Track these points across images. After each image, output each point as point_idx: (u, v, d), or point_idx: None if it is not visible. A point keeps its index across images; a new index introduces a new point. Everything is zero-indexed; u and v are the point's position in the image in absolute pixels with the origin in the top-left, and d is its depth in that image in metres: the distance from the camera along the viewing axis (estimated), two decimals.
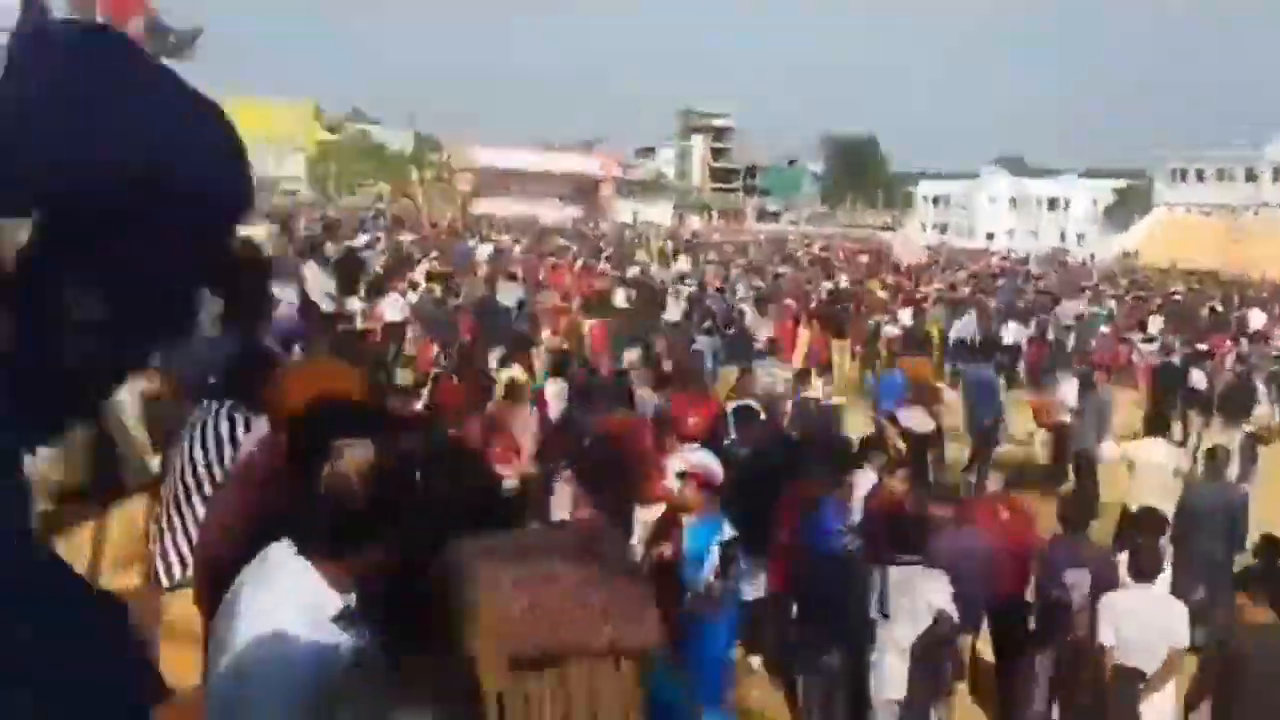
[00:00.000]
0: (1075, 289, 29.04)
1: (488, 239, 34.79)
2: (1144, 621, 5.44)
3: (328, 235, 26.11)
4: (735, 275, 26.45)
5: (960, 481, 10.78)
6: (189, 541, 3.83)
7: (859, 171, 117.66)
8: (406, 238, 31.09)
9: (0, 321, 0.68)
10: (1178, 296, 28.85)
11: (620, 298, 18.79)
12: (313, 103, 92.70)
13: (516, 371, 9.65)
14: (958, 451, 11.85)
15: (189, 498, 3.86)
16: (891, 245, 40.68)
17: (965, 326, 17.91)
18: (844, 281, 26.57)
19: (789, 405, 10.22)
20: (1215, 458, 8.27)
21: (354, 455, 1.93)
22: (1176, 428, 13.85)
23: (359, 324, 14.32)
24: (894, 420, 9.84)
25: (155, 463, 4.74)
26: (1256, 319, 22.66)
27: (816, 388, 11.09)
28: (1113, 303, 25.03)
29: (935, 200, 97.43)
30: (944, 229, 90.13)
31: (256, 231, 15.03)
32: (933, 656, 5.40)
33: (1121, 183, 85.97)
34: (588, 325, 15.16)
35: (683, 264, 29.73)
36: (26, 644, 0.70)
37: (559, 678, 1.17)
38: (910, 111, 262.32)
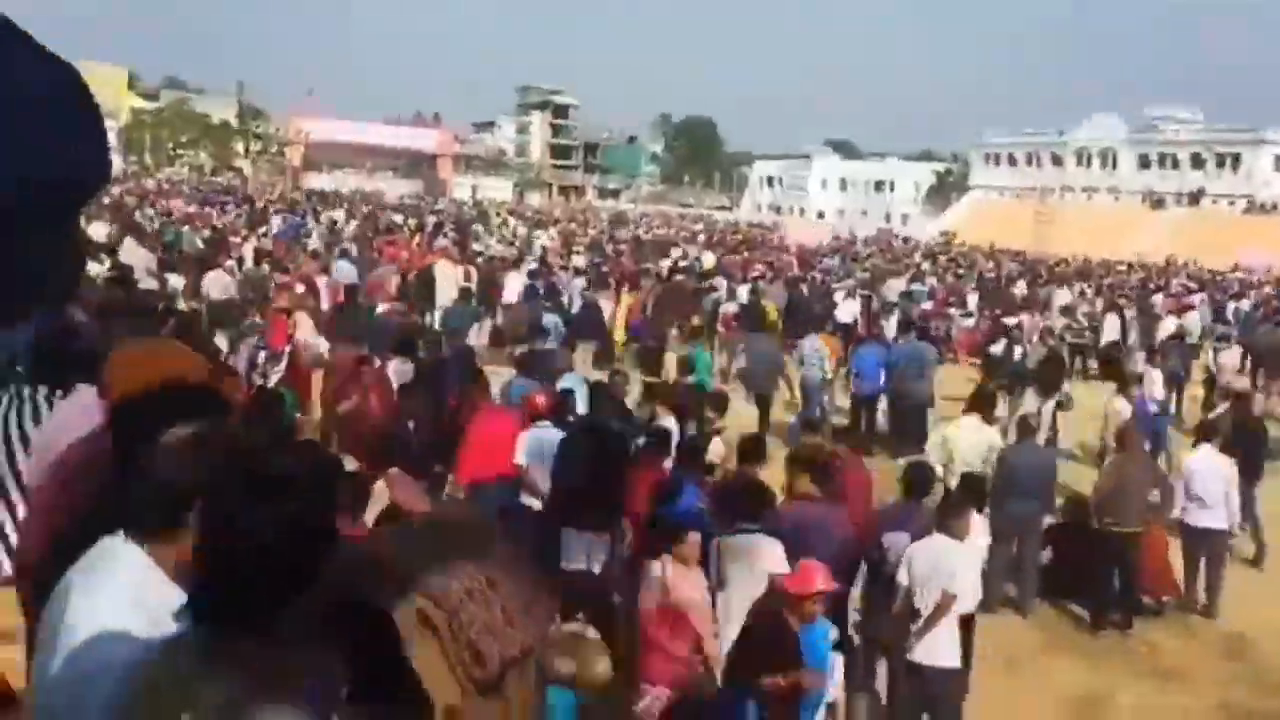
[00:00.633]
0: (899, 267, 30.46)
1: (319, 214, 33.61)
2: (933, 565, 5.71)
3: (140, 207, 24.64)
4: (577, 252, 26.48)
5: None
6: (3, 539, 3.63)
7: (697, 151, 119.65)
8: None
9: None
10: (990, 275, 30.67)
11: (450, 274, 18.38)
12: (125, 69, 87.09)
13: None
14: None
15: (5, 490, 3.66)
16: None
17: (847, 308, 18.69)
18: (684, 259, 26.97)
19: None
20: (1027, 425, 8.87)
21: (178, 435, 1.85)
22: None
23: (181, 302, 13.61)
24: None
25: None
26: (1061, 296, 24.33)
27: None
28: (933, 280, 26.33)
29: (769, 181, 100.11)
30: (777, 209, 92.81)
31: None
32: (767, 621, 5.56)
33: (941, 166, 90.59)
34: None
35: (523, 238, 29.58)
36: None
37: (514, 683, 1.15)
38: (746, 94, 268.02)
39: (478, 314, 15.45)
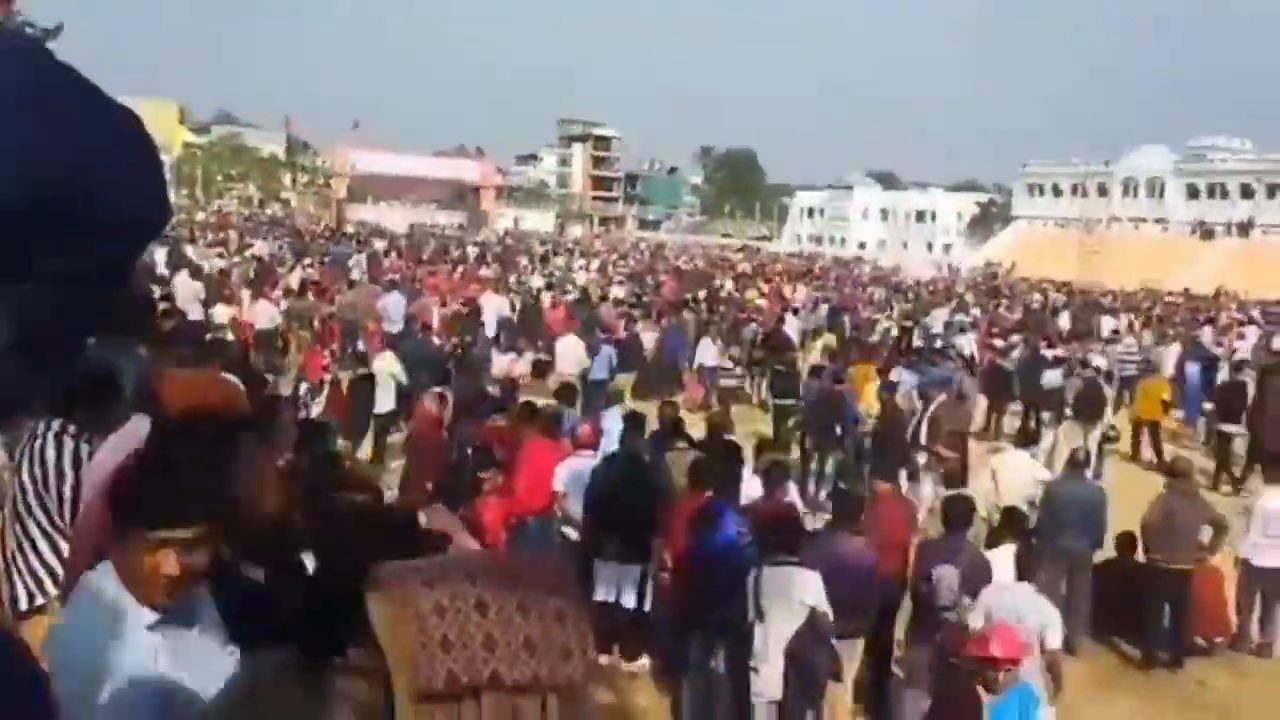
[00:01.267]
0: (942, 298, 30.25)
1: (364, 245, 34.10)
2: (1019, 617, 5.61)
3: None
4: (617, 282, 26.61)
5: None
6: (42, 564, 3.71)
7: (737, 182, 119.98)
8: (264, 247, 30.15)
9: None
10: (1035, 305, 30.35)
11: (496, 305, 18.59)
12: (176, 104, 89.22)
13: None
14: None
15: (24, 526, 3.75)
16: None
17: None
18: (724, 289, 27.01)
19: None
20: (1076, 459, 8.66)
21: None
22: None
23: (229, 334, 13.84)
24: None
25: None
26: (1108, 325, 23.99)
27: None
28: (976, 310, 26.11)
29: (810, 212, 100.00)
30: (818, 240, 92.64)
31: None
32: (808, 656, 5.51)
33: (984, 196, 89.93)
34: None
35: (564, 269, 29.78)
36: None
37: (474, 710, 1.14)
38: (786, 125, 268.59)
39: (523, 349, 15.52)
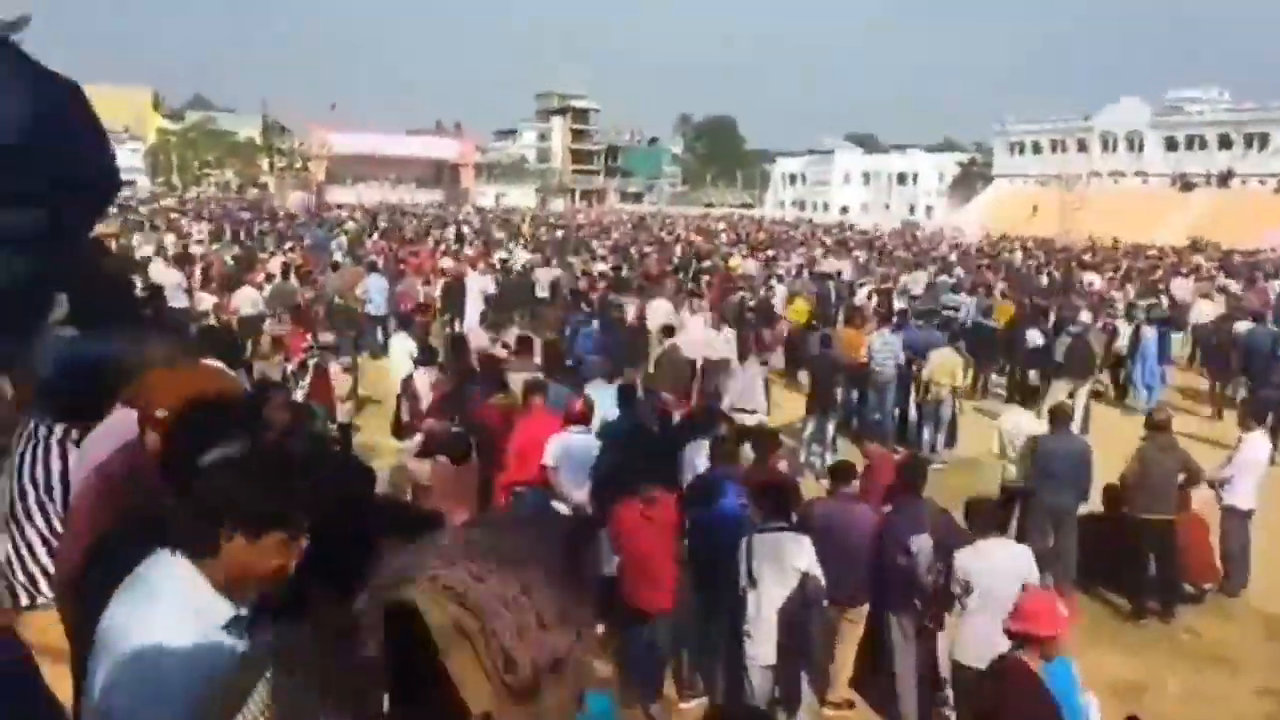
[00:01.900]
0: (924, 259, 30.30)
1: (344, 227, 33.92)
2: (999, 571, 5.70)
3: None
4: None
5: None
6: (39, 568, 3.70)
7: (717, 151, 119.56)
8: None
9: None
10: (1017, 265, 30.43)
11: (480, 282, 18.58)
12: (150, 90, 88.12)
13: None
14: None
15: (23, 530, 3.73)
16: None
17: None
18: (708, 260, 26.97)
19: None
20: (1060, 413, 8.68)
21: (223, 452, 1.89)
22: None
23: (211, 319, 13.78)
24: None
25: None
26: (1087, 280, 24.09)
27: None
28: (960, 271, 26.15)
29: (792, 178, 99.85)
30: (801, 205, 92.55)
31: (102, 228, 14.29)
32: (800, 620, 5.57)
33: (964, 156, 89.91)
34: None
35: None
36: None
37: (552, 693, 1.15)
38: (765, 92, 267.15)
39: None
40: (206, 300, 15.20)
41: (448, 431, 7.54)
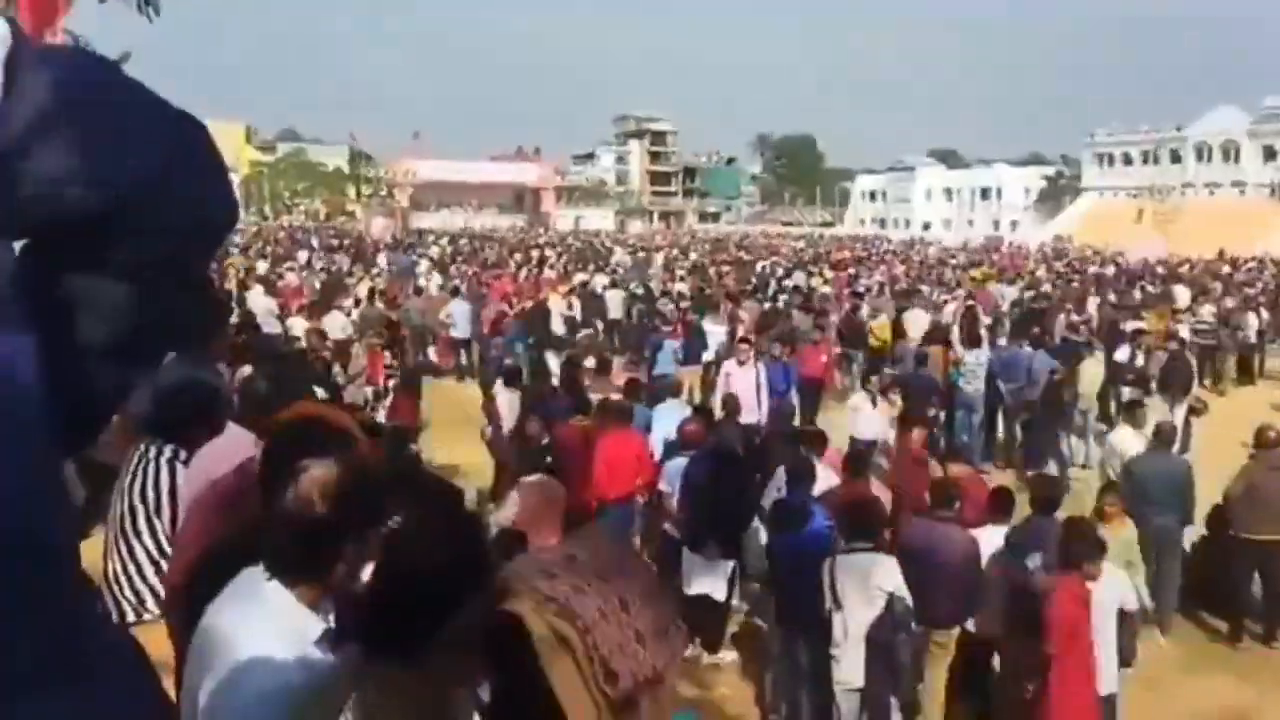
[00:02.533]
0: (1010, 276, 29.64)
1: (427, 254, 34.62)
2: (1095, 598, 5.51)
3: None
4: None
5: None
6: (146, 585, 3.80)
7: (796, 169, 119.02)
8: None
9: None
10: (1109, 277, 29.56)
11: (560, 305, 18.80)
12: (243, 124, 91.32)
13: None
14: None
15: (130, 548, 3.83)
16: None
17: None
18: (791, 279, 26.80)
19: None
20: (1161, 434, 8.37)
21: (314, 474, 1.92)
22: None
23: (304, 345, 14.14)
24: None
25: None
26: (1183, 296, 23.26)
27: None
28: (1048, 286, 25.52)
29: (871, 195, 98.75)
30: (881, 222, 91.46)
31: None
32: (887, 643, 5.46)
33: (1051, 169, 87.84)
34: None
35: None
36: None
37: (635, 706, 1.17)
38: (845, 109, 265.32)
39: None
40: (299, 325, 15.61)
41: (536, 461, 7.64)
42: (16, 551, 0.66)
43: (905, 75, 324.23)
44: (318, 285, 21.39)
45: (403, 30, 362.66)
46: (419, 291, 20.20)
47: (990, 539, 6.21)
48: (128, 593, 3.86)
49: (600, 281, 24.96)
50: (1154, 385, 12.72)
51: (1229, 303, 21.03)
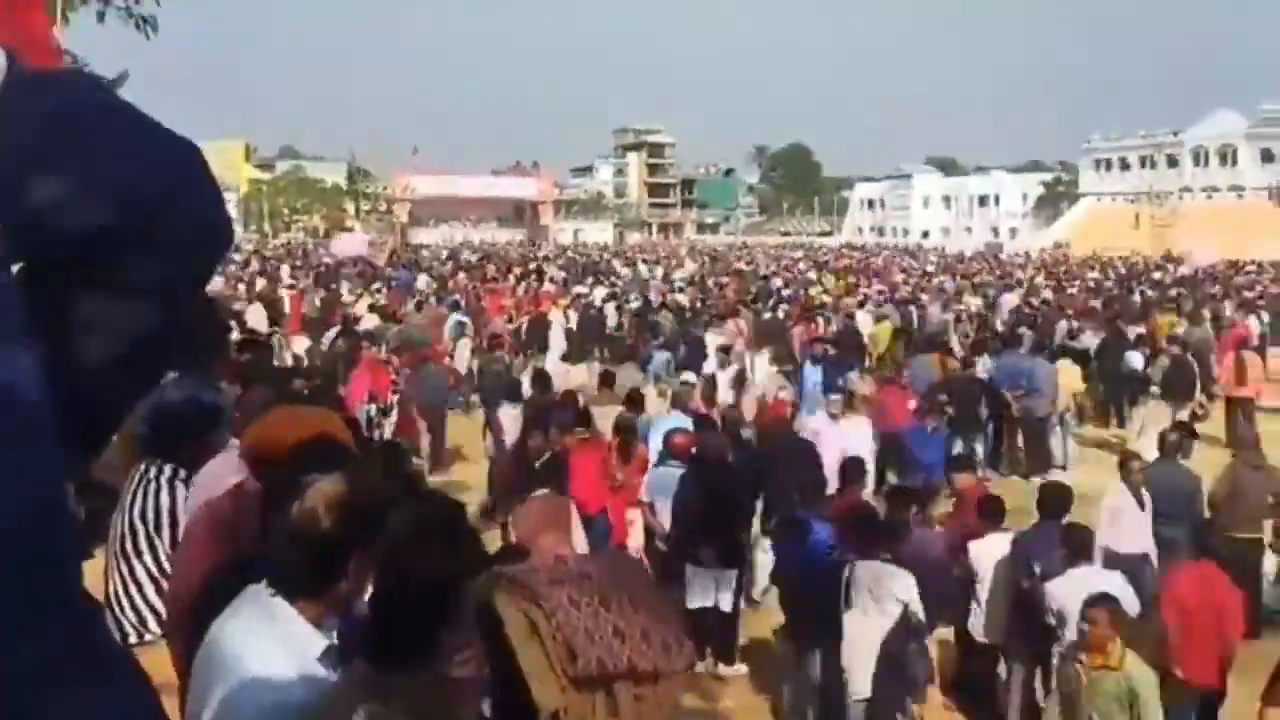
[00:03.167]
0: (1010, 282, 29.67)
1: (427, 267, 34.68)
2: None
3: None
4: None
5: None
6: (147, 605, 3.79)
7: (793, 179, 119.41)
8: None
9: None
10: (1109, 284, 29.60)
11: (560, 318, 18.80)
12: (243, 142, 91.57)
13: None
14: None
15: (131, 567, 3.83)
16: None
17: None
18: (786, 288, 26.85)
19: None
20: (1168, 442, 8.21)
21: (320, 491, 1.92)
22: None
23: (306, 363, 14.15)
24: None
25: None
26: (1186, 302, 23.27)
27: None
28: (1048, 293, 25.55)
29: (870, 203, 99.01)
30: (880, 231, 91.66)
31: None
32: (899, 652, 5.45)
33: (1049, 175, 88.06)
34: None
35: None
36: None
37: (611, 698, 1.18)
38: (841, 118, 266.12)
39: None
40: (299, 343, 15.61)
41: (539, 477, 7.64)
42: (28, 562, 0.67)
43: (901, 83, 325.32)
44: (317, 302, 21.40)
45: (401, 46, 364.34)
46: (420, 307, 20.21)
47: (989, 547, 6.21)
48: (129, 613, 3.85)
49: (600, 294, 24.97)
50: (1156, 390, 12.75)
51: (1228, 306, 21.05)
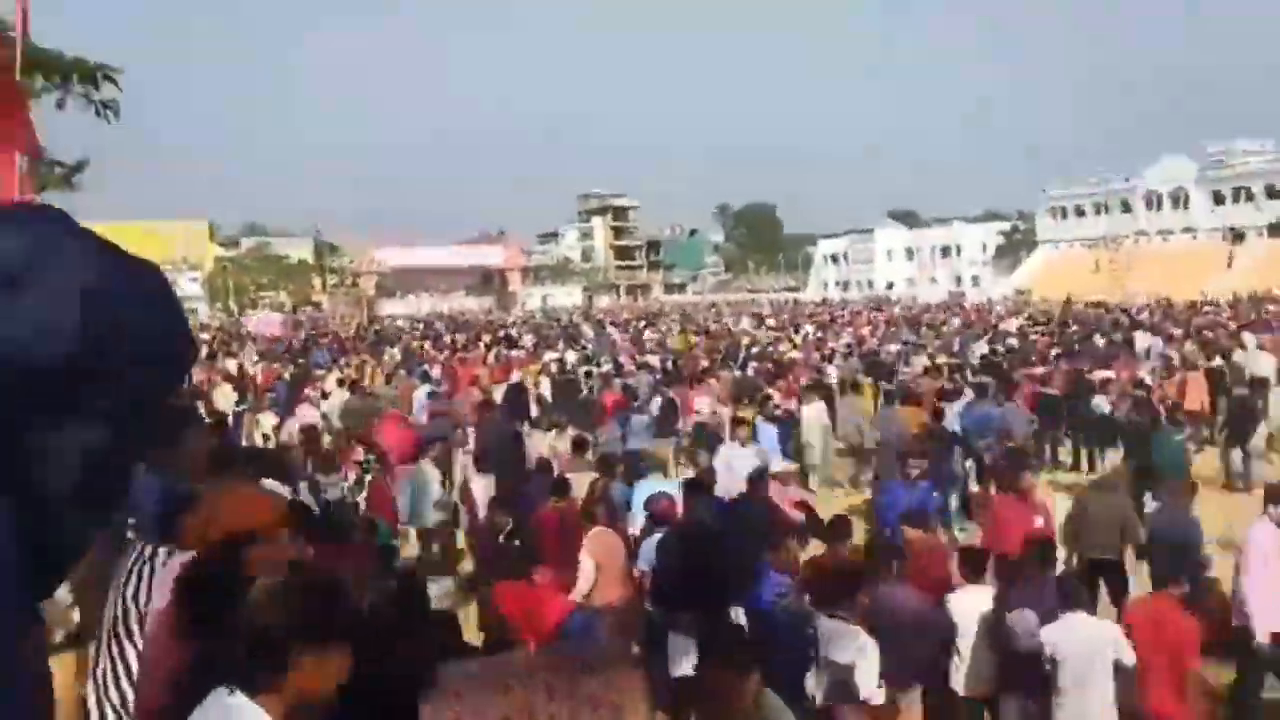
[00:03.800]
0: (977, 331, 30.04)
1: (396, 339, 34.62)
2: (1085, 644, 5.53)
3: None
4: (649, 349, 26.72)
5: None
6: (130, 681, 3.72)
7: (757, 237, 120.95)
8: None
9: None
10: (1071, 329, 30.03)
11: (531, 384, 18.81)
12: (205, 221, 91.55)
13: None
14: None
15: (122, 649, 3.75)
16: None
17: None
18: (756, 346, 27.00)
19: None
20: (1174, 493, 8.16)
21: (259, 585, 1.92)
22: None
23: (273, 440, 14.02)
24: None
25: (74, 612, 4.54)
26: (1142, 340, 23.63)
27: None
28: (1013, 340, 25.87)
29: (834, 258, 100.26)
30: (845, 285, 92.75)
31: None
32: (833, 714, 5.41)
33: (1008, 225, 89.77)
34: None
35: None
36: None
37: None
38: (802, 176, 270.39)
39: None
40: (267, 422, 15.46)
41: (508, 552, 7.56)
42: None
43: (860, 139, 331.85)
44: (287, 377, 21.26)
45: (363, 117, 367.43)
46: (389, 379, 20.13)
47: (969, 600, 6.19)
48: (113, 694, 3.77)
49: (571, 358, 24.99)
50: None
51: (1189, 346, 21.38)
